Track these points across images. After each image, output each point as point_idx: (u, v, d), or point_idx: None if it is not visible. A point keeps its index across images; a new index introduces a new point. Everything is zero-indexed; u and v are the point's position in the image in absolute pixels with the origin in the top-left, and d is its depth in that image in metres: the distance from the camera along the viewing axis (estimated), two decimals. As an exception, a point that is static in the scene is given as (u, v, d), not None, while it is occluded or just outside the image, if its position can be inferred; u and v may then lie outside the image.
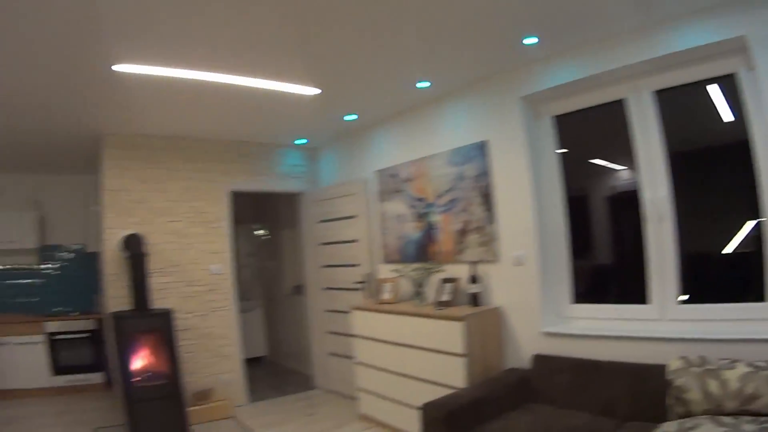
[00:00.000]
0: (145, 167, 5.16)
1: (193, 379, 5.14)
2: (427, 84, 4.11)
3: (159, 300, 5.03)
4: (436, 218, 4.44)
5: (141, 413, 4.37)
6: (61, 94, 3.83)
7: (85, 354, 6.28)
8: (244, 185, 5.75)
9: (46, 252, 6.91)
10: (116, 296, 4.92)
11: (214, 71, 3.58)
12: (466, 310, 3.84)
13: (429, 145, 4.53)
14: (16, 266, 6.76)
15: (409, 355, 4.09)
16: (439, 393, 3.46)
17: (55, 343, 6.16)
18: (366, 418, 4.67)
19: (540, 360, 3.51)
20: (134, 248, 4.72)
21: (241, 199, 6.25)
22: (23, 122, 4.46)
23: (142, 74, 3.50)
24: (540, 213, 3.71)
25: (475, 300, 3.95)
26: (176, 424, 4.53)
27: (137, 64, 3.36)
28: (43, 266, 6.93)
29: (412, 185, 4.68)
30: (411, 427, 3.69)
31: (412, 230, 4.70)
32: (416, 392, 3.82)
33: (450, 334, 3.70)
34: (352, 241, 5.45)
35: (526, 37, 3.28)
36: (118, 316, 4.52)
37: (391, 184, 4.92)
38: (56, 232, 6.92)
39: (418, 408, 3.25)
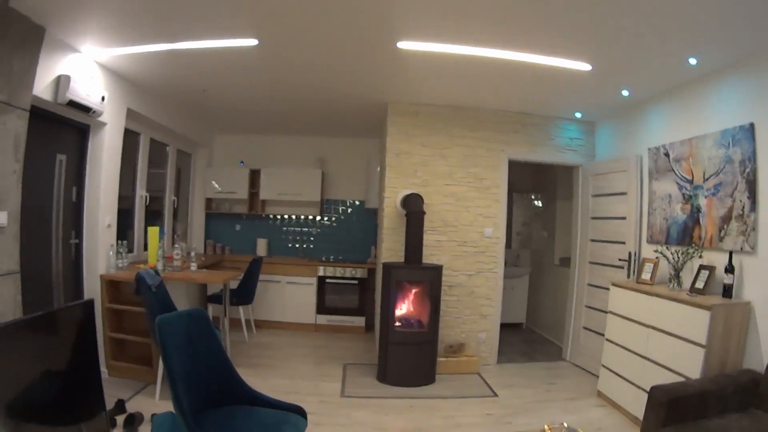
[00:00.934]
0: (427, 133, 6.14)
1: (448, 332, 6.08)
2: (694, 61, 4.17)
3: (431, 256, 6.04)
4: (702, 201, 4.46)
5: (394, 354, 5.39)
6: (351, 66, 4.84)
7: (350, 299, 7.65)
8: (521, 155, 6.36)
9: (327, 205, 8.54)
10: (390, 249, 6.08)
11: (489, 47, 4.19)
12: (716, 299, 3.93)
13: (698, 124, 4.53)
14: (300, 216, 8.52)
15: (653, 338, 4.33)
16: (674, 380, 3.71)
17: (324, 286, 7.64)
18: (601, 396, 5.03)
19: (775, 365, 3.46)
20: (413, 206, 5.67)
21: (520, 168, 6.87)
22: (321, 91, 5.73)
23: (424, 50, 4.31)
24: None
25: (727, 291, 3.98)
26: (424, 370, 5.46)
27: (419, 41, 4.16)
28: (323, 217, 8.56)
29: (681, 165, 4.73)
30: (638, 411, 3.95)
31: (679, 212, 4.77)
32: (652, 376, 4.07)
33: (695, 322, 3.87)
34: (621, 218, 5.67)
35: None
36: (390, 266, 5.56)
37: (662, 162, 5.01)
38: (338, 188, 8.51)
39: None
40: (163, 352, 2.77)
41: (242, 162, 8.36)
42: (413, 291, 5.71)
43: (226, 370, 3.20)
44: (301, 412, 3.08)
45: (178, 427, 2.03)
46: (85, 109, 4.46)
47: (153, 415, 2.04)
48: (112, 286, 5.02)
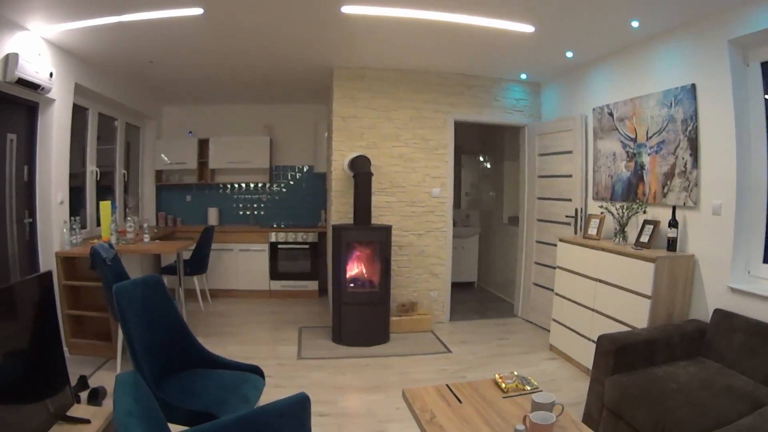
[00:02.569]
0: (373, 96, 6.02)
1: (401, 291, 6.09)
2: (636, 24, 4.16)
3: (380, 217, 5.99)
4: (645, 159, 4.52)
5: (347, 315, 5.39)
6: (296, 32, 4.69)
7: (302, 263, 7.60)
8: (467, 116, 6.30)
9: (276, 171, 8.40)
10: (339, 211, 6.00)
11: (433, 9, 4.09)
12: (661, 253, 4.00)
13: (642, 85, 4.54)
14: (249, 183, 8.38)
15: (601, 291, 4.40)
16: (623, 331, 3.78)
17: (276, 252, 7.57)
18: (553, 349, 5.13)
19: (719, 315, 3.53)
20: (360, 168, 5.60)
21: (467, 130, 6.83)
22: (267, 59, 5.59)
23: (368, 14, 4.18)
24: (742, 163, 3.59)
25: (671, 244, 4.06)
26: (377, 330, 5.48)
27: (364, 5, 4.02)
28: (273, 184, 8.43)
29: (625, 124, 4.77)
30: (590, 363, 4.02)
31: (623, 169, 4.82)
32: (601, 328, 4.12)
33: (641, 274, 3.94)
34: (567, 176, 5.71)
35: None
36: (340, 228, 5.51)
37: (606, 122, 5.04)
38: (287, 154, 8.37)
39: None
40: (122, 320, 2.76)
41: (190, 132, 8.07)
42: (364, 252, 5.67)
43: (184, 335, 3.20)
44: (258, 372, 3.12)
45: (139, 384, 1.98)
46: (34, 87, 4.27)
47: (117, 376, 1.98)
48: (67, 262, 4.87)
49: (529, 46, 4.89)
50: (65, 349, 4.74)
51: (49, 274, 3.18)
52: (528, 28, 4.39)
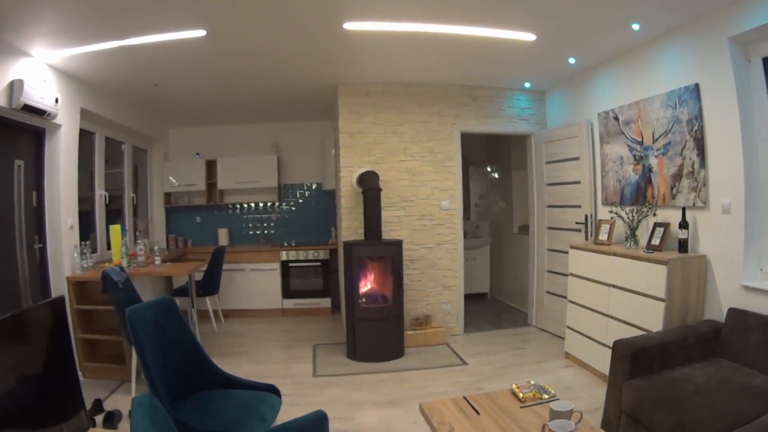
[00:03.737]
0: (379, 111, 6.06)
1: (414, 305, 6.08)
2: (637, 26, 4.18)
3: (391, 232, 6.01)
4: (653, 161, 4.51)
5: (361, 331, 5.39)
6: (299, 51, 4.74)
7: (314, 281, 7.61)
8: (473, 127, 6.33)
9: (285, 190, 8.44)
10: (350, 227, 6.03)
11: (434, 22, 4.13)
12: (672, 255, 3.98)
13: (645, 87, 4.56)
14: (259, 203, 8.41)
15: (615, 296, 4.39)
16: (637, 335, 3.74)
17: (288, 271, 7.59)
18: (569, 357, 5.09)
19: (734, 314, 3.51)
20: (369, 183, 5.62)
21: (474, 141, 6.85)
22: (271, 78, 5.65)
23: (370, 30, 4.24)
24: (749, 160, 3.58)
25: (682, 246, 4.04)
26: (392, 344, 5.47)
27: (365, 21, 4.07)
28: (282, 203, 8.46)
29: (630, 128, 4.77)
30: (606, 369, 3.98)
31: (631, 173, 4.82)
32: (616, 334, 4.07)
33: (654, 277, 3.93)
34: (575, 183, 5.71)
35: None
36: (351, 244, 5.52)
37: (612, 126, 5.04)
38: (295, 172, 8.42)
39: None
40: (136, 343, 2.75)
41: (198, 154, 8.15)
42: (375, 267, 5.68)
43: (199, 356, 3.21)
44: (274, 390, 3.12)
45: (156, 406, 2.01)
46: (40, 113, 4.34)
47: (133, 399, 2.01)
48: (79, 287, 4.90)
49: (532, 54, 4.93)
50: (79, 372, 4.72)
51: (61, 299, 3.22)
52: (530, 37, 4.43)
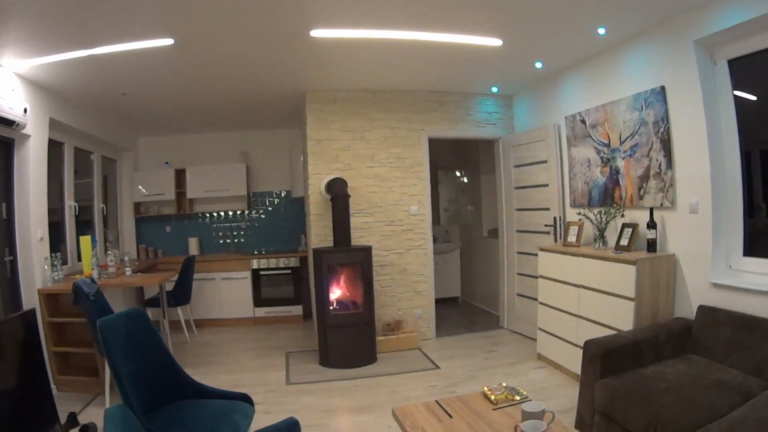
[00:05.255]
0: (346, 118, 6.01)
1: (385, 311, 6.03)
2: (603, 31, 4.21)
3: (360, 238, 5.94)
4: (620, 163, 4.56)
5: (333, 338, 5.33)
6: (266, 58, 4.69)
7: (285, 289, 7.53)
8: (441, 132, 6.32)
9: (254, 198, 8.34)
10: (319, 234, 5.94)
11: (401, 29, 4.10)
12: (641, 255, 4.00)
13: (612, 90, 4.59)
14: (228, 211, 8.31)
15: (585, 297, 4.40)
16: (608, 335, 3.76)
17: (259, 279, 7.50)
18: (541, 358, 5.09)
19: (704, 311, 3.54)
20: (337, 190, 5.56)
21: (442, 145, 6.84)
22: (240, 86, 5.58)
23: (337, 37, 4.20)
24: (716, 160, 3.63)
25: (651, 246, 4.07)
26: (364, 350, 5.42)
27: (332, 28, 4.03)
28: (251, 211, 8.36)
29: (598, 131, 4.81)
30: (578, 369, 4.00)
31: (598, 175, 4.85)
32: (587, 334, 4.06)
33: (623, 277, 3.94)
34: (543, 186, 5.74)
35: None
36: (320, 251, 5.46)
37: (579, 129, 5.08)
38: (264, 180, 8.33)
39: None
40: (107, 354, 2.71)
41: (167, 163, 8.01)
42: (345, 273, 5.62)
43: (171, 366, 3.15)
44: (247, 399, 3.09)
45: (128, 417, 1.97)
46: (9, 123, 4.23)
47: (105, 410, 1.94)
48: (50, 299, 4.78)
49: (499, 58, 4.93)
50: (53, 386, 4.60)
51: (32, 312, 3.12)
52: (496, 42, 4.43)
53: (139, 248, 7.97)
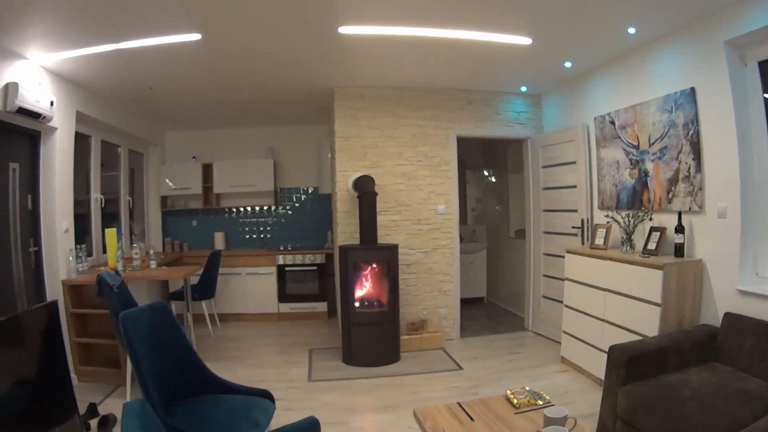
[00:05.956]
0: (374, 115, 6.04)
1: (410, 310, 6.05)
2: (633, 30, 4.17)
3: (387, 236, 5.98)
4: (649, 165, 4.50)
5: (357, 336, 5.36)
6: (294, 54, 4.73)
7: (310, 285, 7.58)
8: (469, 131, 6.30)
9: (282, 194, 8.41)
10: (345, 232, 5.99)
11: (430, 26, 4.11)
12: (668, 259, 3.96)
13: (642, 91, 4.54)
14: (255, 206, 8.41)
15: (611, 301, 4.36)
16: (633, 340, 3.71)
17: (284, 275, 7.56)
18: (565, 361, 5.07)
19: (730, 318, 3.48)
20: (365, 188, 5.59)
21: (470, 145, 6.82)
22: (267, 82, 5.65)
23: (365, 34, 4.23)
24: (745, 164, 3.56)
25: (678, 250, 4.02)
26: (388, 349, 5.43)
27: (360, 25, 4.06)
28: (278, 207, 8.44)
29: (627, 132, 4.76)
30: (602, 374, 3.96)
31: (627, 177, 4.80)
32: (611, 339, 4.07)
33: (649, 282, 3.90)
34: (572, 187, 5.70)
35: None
36: (346, 248, 5.48)
37: (608, 130, 5.03)
38: (291, 176, 8.40)
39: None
40: (129, 347, 2.73)
41: (194, 157, 8.13)
42: (371, 271, 5.65)
43: (192, 361, 3.18)
44: (268, 396, 3.10)
45: (147, 412, 2.00)
46: (35, 116, 4.31)
47: (124, 404, 1.99)
48: (74, 290, 4.87)
49: (528, 58, 4.91)
50: (74, 376, 4.74)
51: (54, 303, 3.20)
52: (525, 41, 4.41)
53: (165, 242, 8.12)
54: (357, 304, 5.49)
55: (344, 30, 4.10)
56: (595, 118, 5.23)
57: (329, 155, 7.18)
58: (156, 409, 2.49)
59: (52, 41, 4.07)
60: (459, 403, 2.83)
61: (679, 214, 4.03)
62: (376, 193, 5.65)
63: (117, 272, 4.62)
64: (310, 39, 4.34)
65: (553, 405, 2.60)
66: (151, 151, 7.97)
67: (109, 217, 6.61)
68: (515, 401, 2.78)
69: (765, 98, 3.55)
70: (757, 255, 3.61)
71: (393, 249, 5.54)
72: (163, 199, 8.11)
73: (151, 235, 7.98)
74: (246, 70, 5.18)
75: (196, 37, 4.10)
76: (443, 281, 6.23)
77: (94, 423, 3.83)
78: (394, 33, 4.19)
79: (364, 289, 5.64)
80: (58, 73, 4.81)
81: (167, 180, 7.92)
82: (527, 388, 2.92)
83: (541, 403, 2.76)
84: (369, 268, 5.63)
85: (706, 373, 3.26)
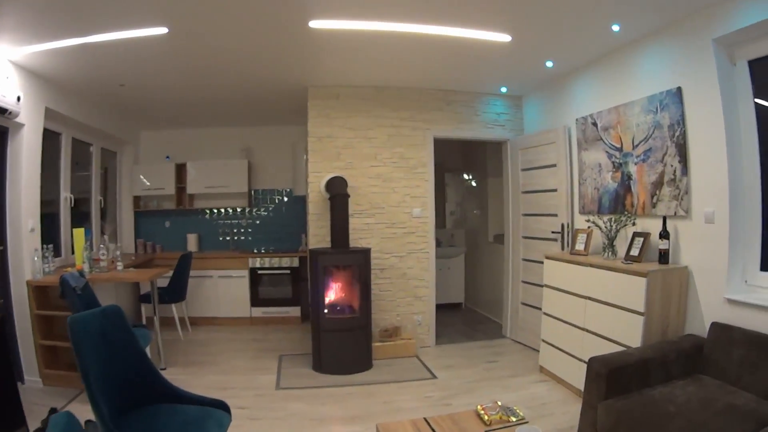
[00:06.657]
0: (350, 115, 5.83)
1: (383, 316, 5.84)
2: (617, 28, 4.00)
3: (360, 240, 5.76)
4: (632, 168, 4.32)
5: (327, 342, 5.14)
6: (264, 50, 4.54)
7: (284, 289, 7.36)
8: (447, 132, 6.11)
9: (256, 196, 8.19)
10: (317, 235, 5.77)
11: (405, 21, 3.93)
12: (652, 266, 3.76)
13: (626, 92, 4.38)
14: (229, 208, 8.17)
15: (591, 309, 4.16)
16: (614, 351, 3.55)
17: (257, 278, 7.34)
18: (543, 371, 4.87)
19: (717, 329, 3.31)
20: (336, 189, 5.38)
21: (450, 147, 6.63)
22: (238, 78, 5.43)
23: (337, 29, 4.03)
24: (734, 167, 3.40)
25: (663, 257, 3.83)
26: (359, 357, 5.22)
27: (332, 19, 3.86)
28: (252, 208, 8.21)
29: (610, 134, 4.58)
30: (581, 384, 3.78)
31: (609, 180, 4.63)
32: (592, 348, 3.90)
33: (632, 289, 3.71)
34: (552, 191, 5.52)
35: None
36: (317, 252, 5.27)
37: (590, 132, 4.86)
38: (266, 177, 8.18)
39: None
40: (77, 353, 2.61)
41: (168, 156, 7.88)
42: (342, 276, 5.44)
43: (146, 369, 3.05)
44: (224, 407, 2.98)
45: (73, 425, 1.97)
46: (1, 111, 4.18)
47: (51, 417, 1.80)
48: (39, 291, 4.71)
49: (508, 57, 4.74)
50: (38, 380, 4.68)
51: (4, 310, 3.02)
52: (504, 38, 4.23)
53: (137, 243, 7.86)
54: (327, 309, 5.27)
55: (315, 24, 3.91)
56: (576, 120, 5.06)
57: (304, 156, 6.95)
58: (104, 420, 2.43)
59: (20, 34, 3.89)
60: (426, 419, 2.70)
61: (664, 219, 3.85)
62: (348, 195, 5.45)
63: (82, 274, 4.45)
64: (280, 34, 4.15)
65: (526, 422, 2.41)
66: (125, 150, 7.72)
67: (81, 217, 6.40)
68: (486, 417, 2.63)
69: (755, 102, 3.39)
70: (746, 262, 3.43)
71: (365, 253, 5.33)
72: (136, 200, 7.85)
73: (123, 235, 7.73)
74: (215, 66, 4.96)
75: (162, 30, 3.92)
76: (418, 286, 6.02)
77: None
78: (367, 28, 4.01)
79: (334, 294, 5.42)
80: (26, 68, 4.61)
81: (142, 176, 7.66)
82: (499, 403, 2.77)
83: (514, 419, 2.61)
84: (340, 272, 5.42)
85: (693, 386, 3.08)
